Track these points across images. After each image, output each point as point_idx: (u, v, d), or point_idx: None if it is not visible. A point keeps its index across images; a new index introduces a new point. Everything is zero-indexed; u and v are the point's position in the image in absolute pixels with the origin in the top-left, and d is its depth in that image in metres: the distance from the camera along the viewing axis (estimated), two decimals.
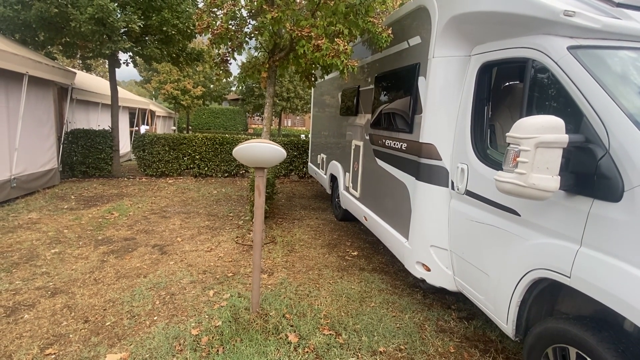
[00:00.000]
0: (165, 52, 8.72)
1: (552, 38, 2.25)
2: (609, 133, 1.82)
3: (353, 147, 5.12)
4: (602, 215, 1.81)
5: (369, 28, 3.79)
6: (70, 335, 2.80)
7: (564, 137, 1.81)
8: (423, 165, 3.20)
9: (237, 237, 5.11)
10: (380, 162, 4.17)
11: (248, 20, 4.47)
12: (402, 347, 2.81)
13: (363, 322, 3.10)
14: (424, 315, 3.26)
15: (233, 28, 4.33)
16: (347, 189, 5.44)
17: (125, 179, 9.08)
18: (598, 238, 1.82)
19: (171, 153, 9.29)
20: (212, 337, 2.79)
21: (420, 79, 3.28)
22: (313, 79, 5.27)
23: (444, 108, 3.08)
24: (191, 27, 8.12)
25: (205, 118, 29.77)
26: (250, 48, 4.84)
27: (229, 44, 4.40)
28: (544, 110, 2.25)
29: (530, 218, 2.22)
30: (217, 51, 4.79)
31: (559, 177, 1.83)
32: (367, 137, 4.57)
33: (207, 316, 3.09)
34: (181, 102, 20.55)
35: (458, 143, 2.96)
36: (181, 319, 3.07)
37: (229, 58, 4.74)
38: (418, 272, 3.24)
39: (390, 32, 3.75)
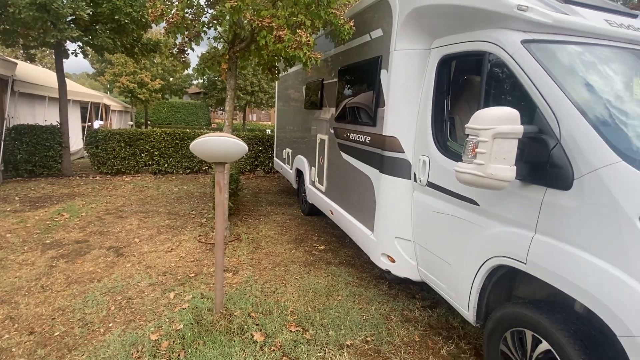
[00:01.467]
0: (118, 43, 8.20)
1: (507, 32, 2.31)
2: (560, 124, 1.89)
3: (318, 141, 5.08)
4: (555, 203, 1.88)
5: (331, 20, 3.74)
6: (13, 349, 2.57)
7: (519, 128, 1.86)
8: (386, 158, 3.22)
9: (199, 235, 4.93)
10: (345, 156, 4.16)
11: (206, 9, 4.28)
12: (369, 338, 2.83)
13: (330, 317, 3.09)
14: (390, 306, 3.31)
15: (190, 17, 4.12)
16: (313, 183, 5.40)
17: (77, 177, 8.51)
18: (551, 225, 1.90)
19: (127, 149, 8.81)
20: (173, 342, 2.66)
21: (383, 72, 3.28)
22: (276, 72, 5.15)
23: (406, 101, 3.10)
24: (146, 16, 7.68)
25: (165, 112, 28.54)
26: (209, 38, 4.62)
27: (186, 33, 4.19)
28: (500, 103, 2.31)
29: (488, 207, 2.28)
30: (173, 41, 4.56)
31: (515, 167, 1.89)
32: (332, 131, 4.55)
33: (167, 320, 2.95)
34: (138, 95, 19.56)
35: (420, 135, 3.00)
36: (139, 324, 2.91)
37: (186, 48, 4.52)
38: (383, 263, 3.27)
39: (352, 24, 3.72)
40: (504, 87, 2.34)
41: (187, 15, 4.05)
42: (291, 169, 6.69)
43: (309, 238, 5.08)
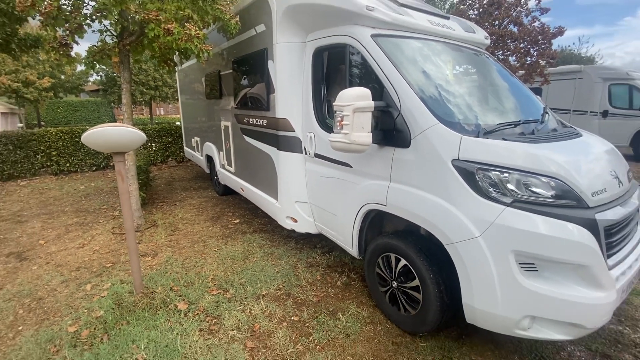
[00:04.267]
0: None
1: (361, 28, 2.50)
2: (400, 99, 2.17)
3: (223, 128, 4.86)
4: (400, 158, 2.18)
5: (217, 15, 3.52)
6: None
7: (372, 103, 2.07)
8: (281, 137, 3.27)
9: (113, 227, 4.38)
10: (247, 139, 4.08)
11: (86, 0, 3.60)
12: (281, 286, 2.95)
13: (247, 276, 3.11)
14: (297, 257, 3.47)
15: (68, 8, 3.44)
16: (223, 166, 5.19)
17: None
18: (399, 174, 2.20)
19: (18, 152, 7.16)
20: (95, 328, 2.39)
21: (270, 62, 3.26)
22: (172, 64, 4.67)
23: (292, 87, 3.15)
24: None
25: (61, 112, 23.58)
26: (94, 31, 3.93)
27: (66, 25, 3.49)
28: (360, 85, 2.51)
29: (359, 168, 2.53)
30: (52, 34, 3.75)
31: (371, 134, 2.11)
32: (234, 118, 4.39)
33: (86, 310, 2.62)
34: (25, 95, 15.78)
35: (305, 116, 3.11)
36: (54, 320, 2.52)
37: (69, 42, 3.77)
38: (288, 224, 3.39)
39: (237, 19, 3.57)
40: (361, 72, 2.54)
41: (64, 6, 3.37)
42: (201, 155, 6.29)
43: (224, 215, 4.93)
